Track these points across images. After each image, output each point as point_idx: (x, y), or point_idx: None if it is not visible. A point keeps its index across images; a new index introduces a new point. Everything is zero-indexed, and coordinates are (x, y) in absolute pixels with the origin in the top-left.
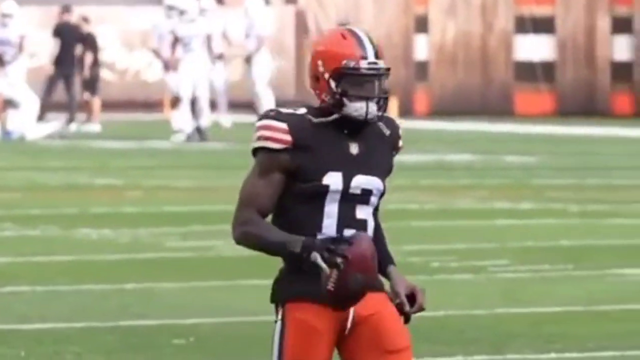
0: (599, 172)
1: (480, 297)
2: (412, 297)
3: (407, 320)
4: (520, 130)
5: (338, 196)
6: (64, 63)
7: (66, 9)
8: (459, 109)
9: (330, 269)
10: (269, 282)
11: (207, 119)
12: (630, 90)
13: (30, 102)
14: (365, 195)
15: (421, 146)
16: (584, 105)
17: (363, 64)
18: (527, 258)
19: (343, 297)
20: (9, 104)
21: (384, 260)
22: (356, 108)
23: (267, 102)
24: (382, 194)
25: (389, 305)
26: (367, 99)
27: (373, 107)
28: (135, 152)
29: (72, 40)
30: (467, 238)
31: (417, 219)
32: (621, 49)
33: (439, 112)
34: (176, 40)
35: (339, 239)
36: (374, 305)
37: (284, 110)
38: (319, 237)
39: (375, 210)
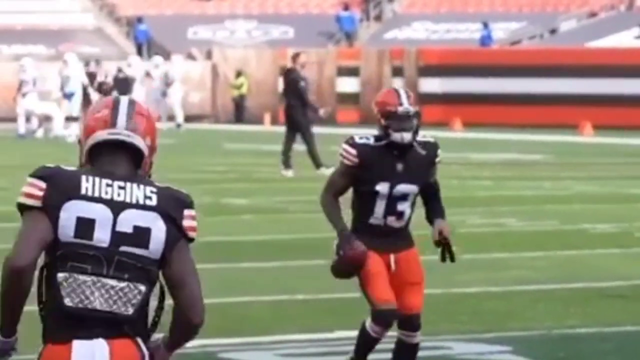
0: None
1: None
2: (440, 232)
3: (444, 255)
4: (341, 132)
5: (385, 197)
6: None
7: None
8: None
9: (336, 254)
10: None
11: None
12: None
13: None
14: (404, 196)
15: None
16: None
17: (399, 109)
18: None
19: (337, 271)
20: None
21: (435, 214)
22: (395, 137)
23: (180, 116)
24: (430, 189)
25: (415, 256)
26: (402, 130)
27: (407, 135)
28: None
29: None
30: None
31: None
32: (397, 84)
33: None
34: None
35: (352, 241)
36: (406, 255)
37: (357, 139)
38: (371, 220)
39: (437, 196)
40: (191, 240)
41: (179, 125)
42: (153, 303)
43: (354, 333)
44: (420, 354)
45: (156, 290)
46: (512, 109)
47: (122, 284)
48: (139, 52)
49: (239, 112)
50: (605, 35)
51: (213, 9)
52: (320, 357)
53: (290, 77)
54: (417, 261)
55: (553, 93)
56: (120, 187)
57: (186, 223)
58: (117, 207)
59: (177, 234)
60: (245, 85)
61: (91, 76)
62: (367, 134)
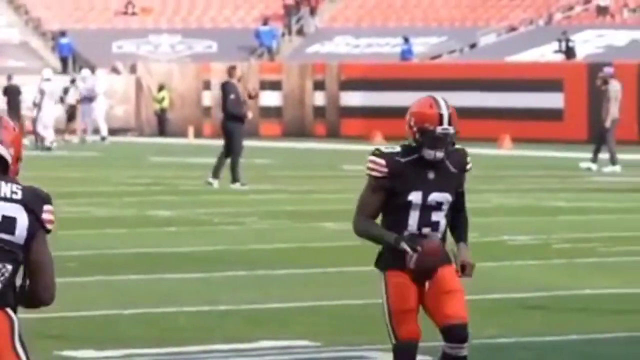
0: None
1: None
2: (463, 266)
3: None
4: (264, 145)
5: (419, 206)
6: None
7: None
8: (220, 133)
9: (413, 252)
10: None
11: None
12: (324, 122)
13: None
14: (438, 205)
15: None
16: (298, 130)
17: (438, 129)
18: None
19: (420, 272)
20: None
21: (458, 237)
22: (429, 153)
23: (104, 129)
24: (458, 198)
25: (451, 271)
26: (436, 148)
27: (439, 154)
28: None
29: None
30: None
31: None
32: (318, 98)
33: (219, 136)
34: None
35: (418, 236)
36: (442, 270)
37: (384, 149)
38: (405, 234)
39: (462, 205)
40: (48, 231)
41: (103, 138)
42: (18, 282)
43: (277, 343)
44: None
45: (21, 272)
46: None
47: None
48: (64, 65)
49: (162, 125)
50: (524, 50)
51: (137, 23)
52: None
53: (224, 90)
54: (455, 273)
55: (472, 107)
56: None
57: (45, 216)
58: None
59: (37, 225)
60: (167, 99)
61: (12, 89)
62: (392, 147)
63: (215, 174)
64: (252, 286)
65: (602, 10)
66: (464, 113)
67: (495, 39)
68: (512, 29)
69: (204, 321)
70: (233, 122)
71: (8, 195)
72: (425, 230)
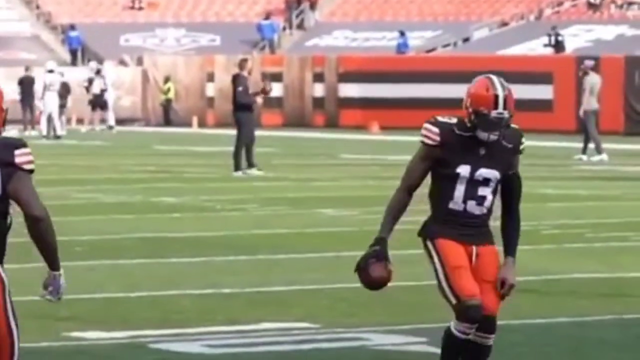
0: None
1: None
2: (502, 283)
3: (502, 297)
4: (265, 134)
5: (465, 180)
6: None
7: None
8: (232, 123)
9: (359, 269)
10: None
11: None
12: (323, 112)
13: None
14: (485, 181)
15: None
16: (298, 120)
17: (493, 113)
18: None
19: (364, 281)
20: None
21: (506, 248)
22: (482, 135)
23: (112, 119)
24: (510, 183)
25: (496, 255)
26: (490, 131)
27: (493, 136)
28: None
29: None
30: None
31: None
32: (318, 90)
33: (221, 125)
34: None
35: (381, 256)
36: (488, 250)
37: (440, 118)
38: (450, 205)
39: (513, 199)
40: (29, 171)
41: (111, 127)
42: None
43: (278, 325)
44: (338, 345)
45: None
46: (426, 113)
47: None
48: (74, 58)
49: (167, 115)
50: (515, 44)
51: (144, 17)
52: (245, 348)
53: (234, 82)
54: (497, 260)
55: None
56: None
57: (18, 160)
58: None
59: (11, 170)
60: (172, 91)
61: (27, 80)
62: (449, 117)
63: (248, 163)
64: (253, 270)
65: (592, 7)
66: (457, 104)
67: (488, 33)
68: (504, 23)
69: (207, 303)
70: (242, 111)
71: None
72: (471, 203)
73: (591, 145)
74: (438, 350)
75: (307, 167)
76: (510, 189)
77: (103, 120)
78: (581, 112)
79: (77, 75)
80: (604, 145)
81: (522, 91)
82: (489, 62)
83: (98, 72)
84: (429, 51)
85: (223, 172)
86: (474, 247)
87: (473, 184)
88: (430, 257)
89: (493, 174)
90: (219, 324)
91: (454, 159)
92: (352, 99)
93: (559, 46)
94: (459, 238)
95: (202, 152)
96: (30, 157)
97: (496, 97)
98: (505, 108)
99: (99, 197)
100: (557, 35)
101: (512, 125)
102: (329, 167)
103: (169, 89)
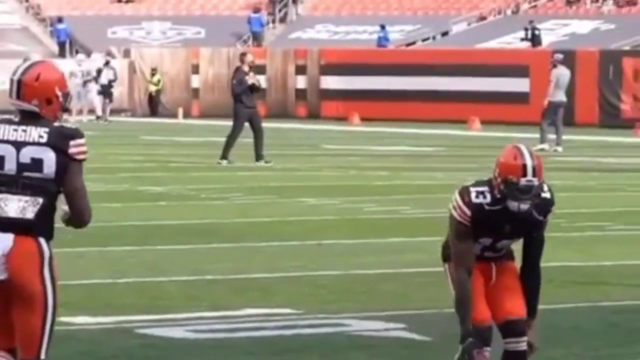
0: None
1: None
2: (529, 346)
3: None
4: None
5: (486, 246)
6: None
7: None
8: (216, 113)
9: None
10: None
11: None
12: (305, 104)
13: None
14: (504, 245)
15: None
16: (281, 111)
17: (522, 182)
18: None
19: None
20: None
21: (528, 301)
22: (513, 205)
23: (99, 109)
24: (532, 243)
25: (513, 267)
26: (520, 200)
27: (524, 206)
28: None
29: None
30: None
31: None
32: (300, 82)
33: (206, 116)
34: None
35: (479, 345)
36: (505, 266)
37: (474, 197)
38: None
39: (535, 258)
40: (81, 161)
41: (98, 118)
42: (65, 207)
43: (260, 310)
44: (320, 330)
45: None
46: (406, 105)
47: (27, 198)
48: (62, 49)
49: (153, 106)
50: (493, 38)
51: (131, 10)
52: (228, 333)
53: (233, 75)
54: (515, 271)
55: (444, 90)
56: (22, 130)
57: (72, 150)
58: (19, 145)
59: (66, 160)
60: (160, 82)
61: None
62: (483, 187)
63: (260, 155)
64: (237, 257)
65: (569, 2)
66: (436, 96)
67: (466, 27)
68: (482, 18)
69: (192, 290)
70: (237, 103)
71: (35, 140)
72: (488, 253)
73: (552, 136)
74: (416, 336)
75: (290, 157)
76: (533, 247)
77: (80, 111)
78: (545, 102)
79: (64, 67)
80: (579, 138)
81: (500, 84)
82: (468, 55)
83: (107, 63)
84: (409, 44)
85: (208, 162)
86: (493, 264)
87: (492, 246)
88: (447, 277)
89: (513, 241)
90: (203, 310)
91: (478, 232)
92: (334, 91)
93: (535, 40)
94: (477, 260)
95: (187, 142)
96: (84, 148)
97: (524, 165)
98: (534, 176)
99: (88, 186)
100: (533, 29)
101: (544, 195)
102: (310, 157)
103: (159, 81)
